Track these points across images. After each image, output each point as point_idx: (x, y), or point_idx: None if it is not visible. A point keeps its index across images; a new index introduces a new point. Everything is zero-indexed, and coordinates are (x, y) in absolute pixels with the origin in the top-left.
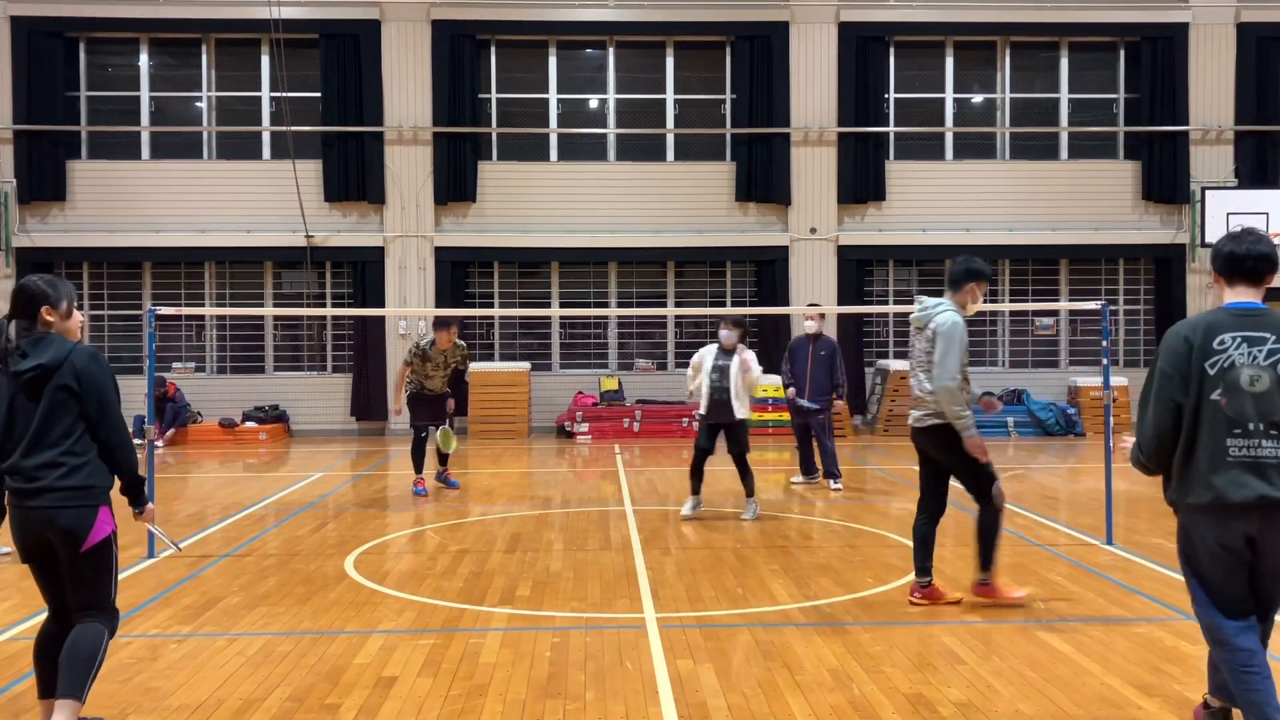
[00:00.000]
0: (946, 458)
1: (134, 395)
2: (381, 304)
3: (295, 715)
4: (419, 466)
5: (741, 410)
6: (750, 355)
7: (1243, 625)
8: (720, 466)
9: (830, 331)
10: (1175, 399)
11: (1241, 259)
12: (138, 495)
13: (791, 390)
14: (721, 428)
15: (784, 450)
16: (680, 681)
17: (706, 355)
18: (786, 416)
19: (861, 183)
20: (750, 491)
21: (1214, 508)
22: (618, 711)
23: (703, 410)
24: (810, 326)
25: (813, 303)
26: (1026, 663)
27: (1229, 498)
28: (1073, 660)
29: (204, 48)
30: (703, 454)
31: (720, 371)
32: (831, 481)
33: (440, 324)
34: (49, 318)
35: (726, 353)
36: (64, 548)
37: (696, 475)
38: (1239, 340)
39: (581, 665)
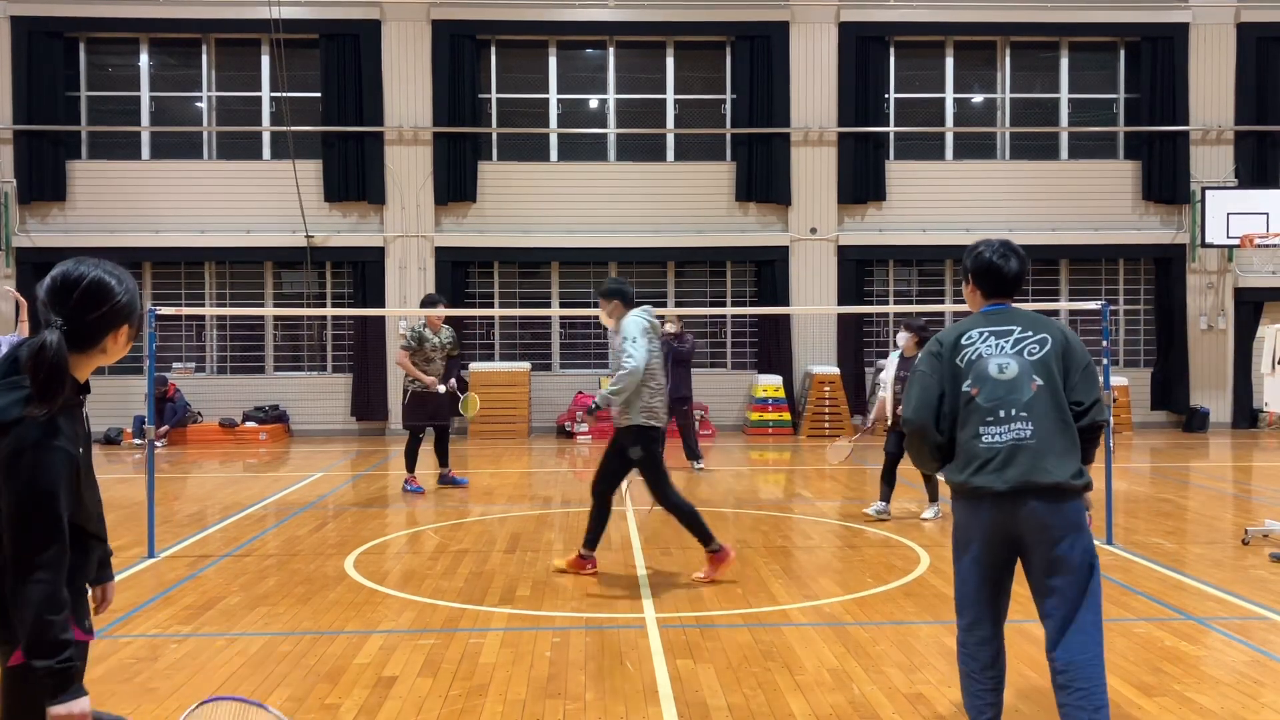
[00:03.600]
0: None
1: (134, 395)
2: (381, 304)
3: (295, 715)
4: (411, 466)
5: None
6: None
7: (979, 628)
8: (722, 466)
9: (831, 331)
10: (928, 398)
11: (1004, 277)
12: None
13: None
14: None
15: (784, 450)
16: (680, 681)
17: (889, 364)
18: (787, 417)
19: (861, 183)
20: (933, 496)
21: (976, 494)
22: (618, 711)
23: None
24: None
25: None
26: (1026, 663)
27: (989, 486)
28: None
29: (204, 48)
30: (891, 459)
31: (903, 382)
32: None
33: (427, 303)
34: (122, 340)
35: (907, 360)
36: None
37: (887, 480)
38: (986, 334)
39: (581, 665)
